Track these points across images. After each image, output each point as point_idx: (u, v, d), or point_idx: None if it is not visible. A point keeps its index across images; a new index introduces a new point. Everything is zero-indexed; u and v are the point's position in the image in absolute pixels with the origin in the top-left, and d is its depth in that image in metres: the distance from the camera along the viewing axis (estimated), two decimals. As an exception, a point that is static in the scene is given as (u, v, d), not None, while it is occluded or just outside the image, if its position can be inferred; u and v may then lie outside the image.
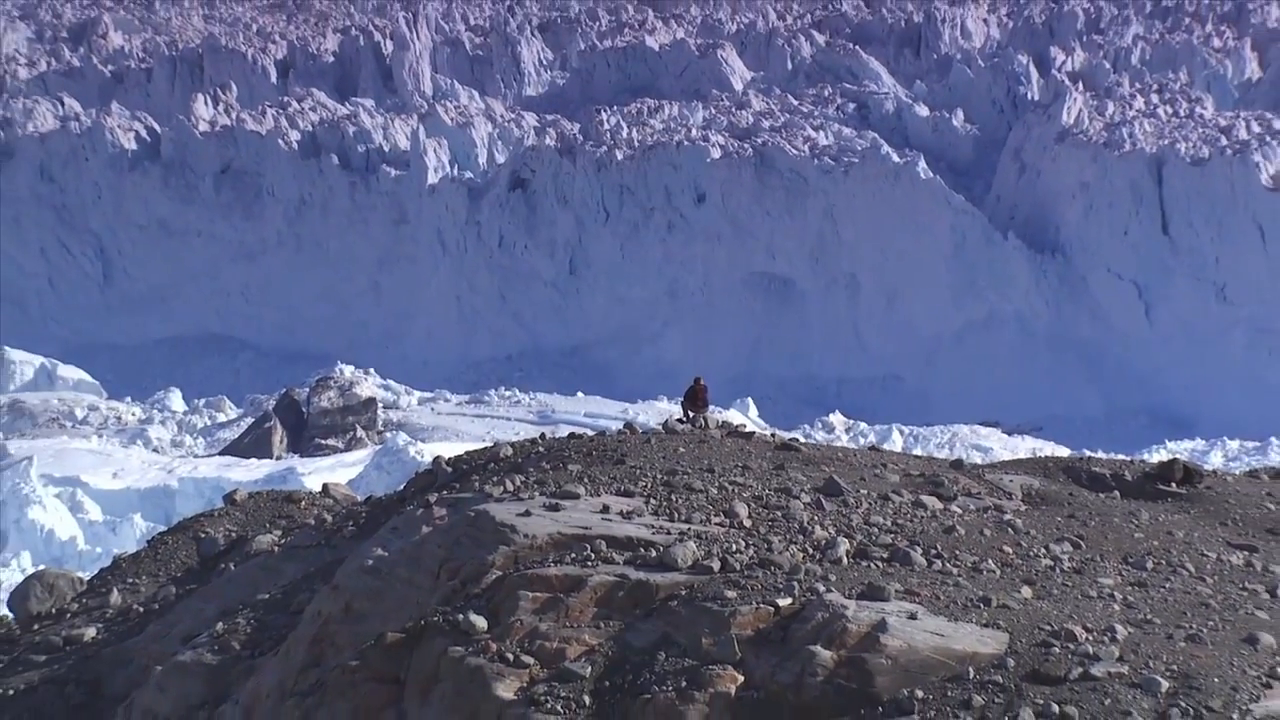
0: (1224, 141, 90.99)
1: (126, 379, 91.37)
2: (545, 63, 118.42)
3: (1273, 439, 75.96)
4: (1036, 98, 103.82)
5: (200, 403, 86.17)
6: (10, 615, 26.08)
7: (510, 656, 16.00)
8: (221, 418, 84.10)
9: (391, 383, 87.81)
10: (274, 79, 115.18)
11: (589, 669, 15.89)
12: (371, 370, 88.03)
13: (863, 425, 78.99)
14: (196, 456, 75.09)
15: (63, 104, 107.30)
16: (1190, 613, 16.07)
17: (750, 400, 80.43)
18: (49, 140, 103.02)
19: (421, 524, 18.53)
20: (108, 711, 19.93)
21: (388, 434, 76.57)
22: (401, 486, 24.95)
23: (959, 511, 18.80)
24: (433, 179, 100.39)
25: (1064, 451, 58.42)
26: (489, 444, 24.49)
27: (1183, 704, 14.30)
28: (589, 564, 16.86)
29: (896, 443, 71.78)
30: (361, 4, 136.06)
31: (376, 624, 17.24)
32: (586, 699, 15.63)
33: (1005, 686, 14.80)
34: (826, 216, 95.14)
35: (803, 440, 23.80)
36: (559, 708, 15.52)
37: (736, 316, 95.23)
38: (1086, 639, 15.32)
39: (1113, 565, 17.36)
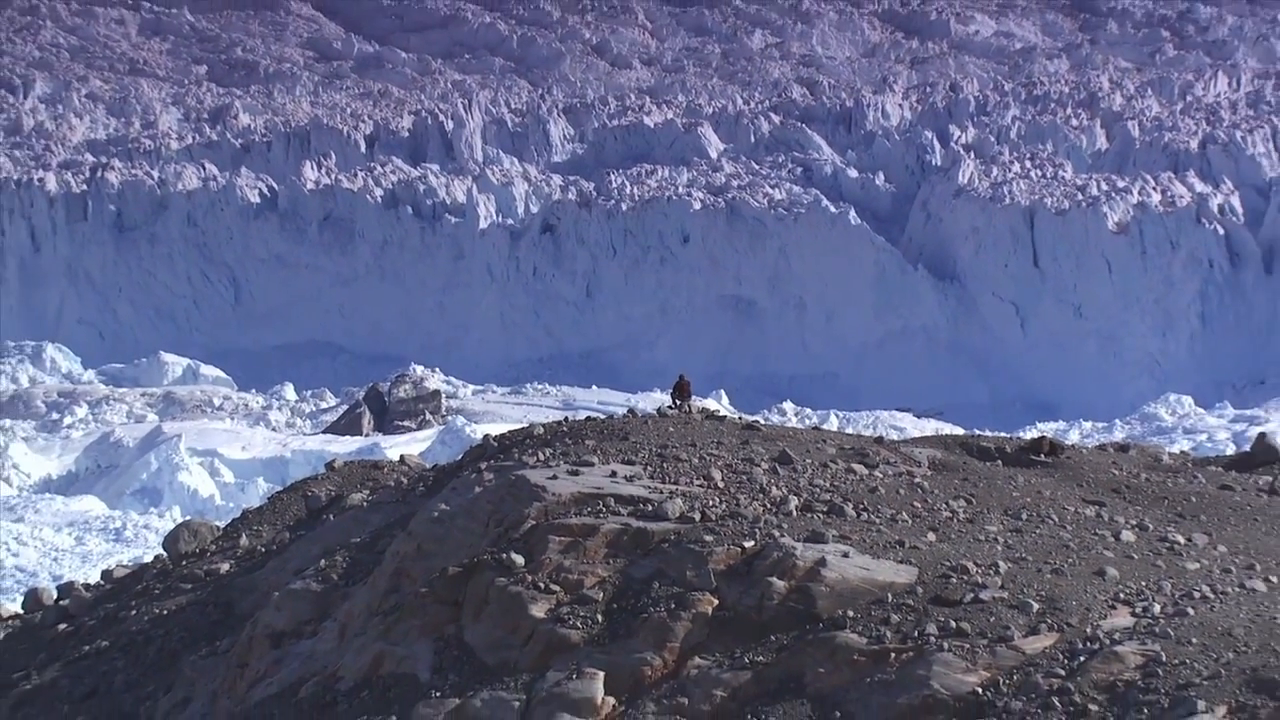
0: (1080, 197, 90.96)
1: (252, 376, 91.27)
2: (568, 137, 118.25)
3: (1116, 421, 75.96)
4: (939, 163, 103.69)
5: (308, 394, 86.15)
6: (165, 554, 26.08)
7: (542, 585, 16.03)
8: (324, 405, 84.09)
9: (452, 378, 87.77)
10: (363, 149, 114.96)
11: (601, 595, 15.93)
12: (437, 369, 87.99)
13: (808, 411, 78.96)
14: (305, 434, 75.10)
15: (204, 168, 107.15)
16: (1055, 552, 16.10)
17: (723, 391, 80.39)
18: (194, 195, 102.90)
19: (475, 485, 18.54)
20: (238, 627, 19.94)
21: (449, 417, 76.54)
22: (459, 457, 24.90)
23: (880, 476, 18.81)
24: (483, 225, 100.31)
25: (959, 430, 58.36)
26: (525, 425, 24.47)
27: (1049, 621, 14.35)
28: (601, 515, 16.89)
29: (833, 424, 71.71)
30: (430, 93, 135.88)
31: (441, 561, 17.26)
32: (599, 617, 15.67)
33: (915, 607, 14.84)
34: (780, 253, 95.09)
35: (762, 422, 23.79)
36: (578, 624, 15.56)
37: (712, 328, 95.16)
38: (976, 572, 15.37)
39: (996, 516, 17.37)
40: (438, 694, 15.58)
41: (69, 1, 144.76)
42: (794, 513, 16.89)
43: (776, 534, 16.06)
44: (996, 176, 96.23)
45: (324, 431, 76.11)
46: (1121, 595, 14.87)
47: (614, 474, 18.16)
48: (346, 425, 77.30)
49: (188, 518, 36.27)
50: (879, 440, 22.19)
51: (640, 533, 16.43)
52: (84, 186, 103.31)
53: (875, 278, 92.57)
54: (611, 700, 14.83)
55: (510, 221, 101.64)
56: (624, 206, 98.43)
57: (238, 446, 67.99)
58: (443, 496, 18.93)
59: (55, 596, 25.68)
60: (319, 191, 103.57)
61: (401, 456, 28.87)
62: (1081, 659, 13.71)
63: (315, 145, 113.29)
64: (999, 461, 20.68)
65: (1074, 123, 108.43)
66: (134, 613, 22.26)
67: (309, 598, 18.89)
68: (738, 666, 14.72)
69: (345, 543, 20.62)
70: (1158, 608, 14.51)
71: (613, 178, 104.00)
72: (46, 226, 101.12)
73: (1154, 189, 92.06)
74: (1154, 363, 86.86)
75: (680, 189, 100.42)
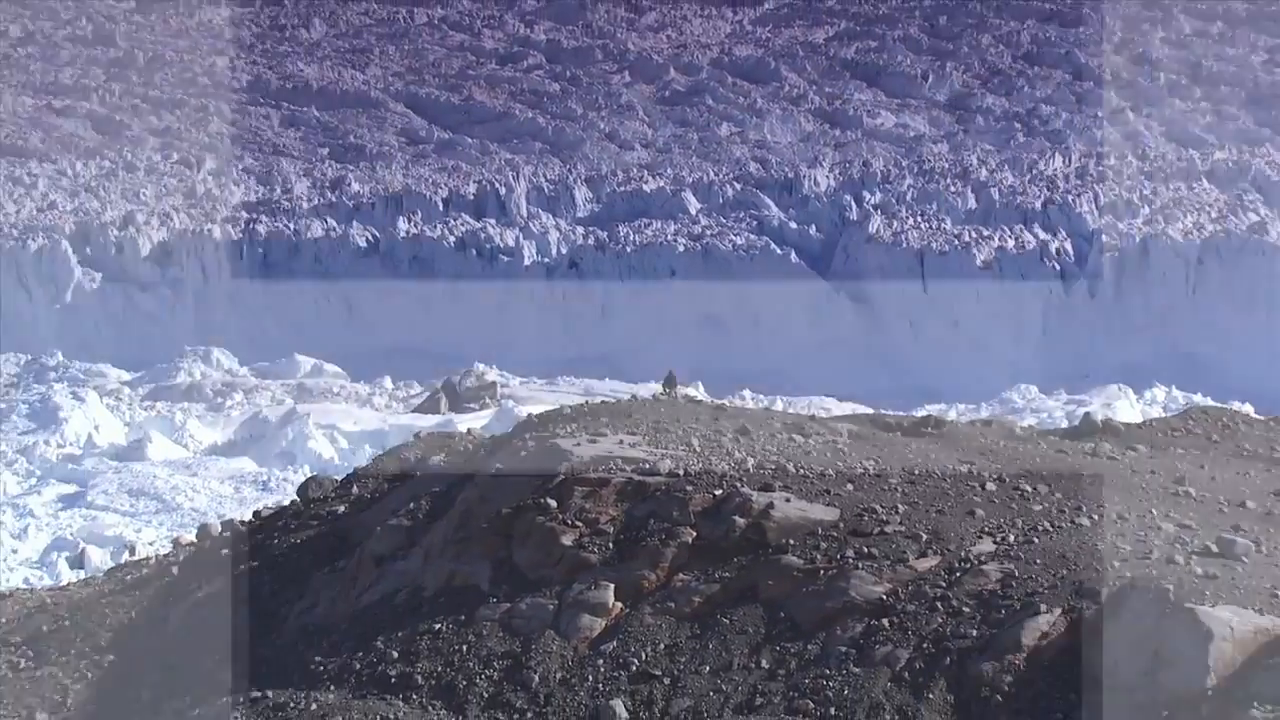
0: (957, 243, 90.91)
1: (360, 371, 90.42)
2: (588, 199, 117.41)
3: (982, 404, 75.78)
4: (855, 219, 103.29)
5: (401, 384, 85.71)
6: (298, 499, 26.05)
7: (569, 522, 16.07)
8: (412, 392, 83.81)
9: (505, 373, 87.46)
10: (441, 208, 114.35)
11: (612, 529, 15.96)
12: (494, 365, 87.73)
13: (761, 396, 78.66)
14: (399, 414, 74.89)
15: (326, 222, 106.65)
16: (938, 498, 16.14)
17: (699, 383, 79.83)
18: (319, 242, 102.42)
19: (521, 450, 18.59)
20: (351, 552, 19.98)
21: (503, 401, 76.36)
22: (511, 429, 24.82)
23: (813, 443, 18.82)
24: (527, 262, 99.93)
25: (870, 410, 58.28)
26: (557, 407, 24.49)
27: (934, 547, 14.37)
28: (612, 472, 16.92)
29: (779, 406, 71.18)
30: (488, 167, 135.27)
31: (497, 504, 17.28)
32: (610, 545, 15.71)
33: (838, 538, 14.86)
34: (742, 284, 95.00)
35: (728, 405, 23.82)
36: (595, 550, 15.59)
37: (692, 337, 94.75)
38: (882, 512, 15.40)
39: (896, 472, 17.38)
40: (495, 600, 15.69)
41: (230, 103, 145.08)
42: (751, 469, 16.93)
43: (738, 485, 16.09)
44: (896, 228, 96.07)
45: (413, 411, 76.00)
46: (986, 528, 14.92)
47: (621, 442, 18.21)
48: (428, 407, 77.14)
49: (315, 473, 36.19)
50: (812, 418, 22.23)
51: (640, 484, 16.48)
52: (240, 235, 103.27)
53: (809, 301, 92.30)
54: (619, 605, 14.93)
55: (546, 260, 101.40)
56: (629, 249, 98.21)
57: (351, 422, 67.91)
58: (498, 458, 18.99)
59: (219, 529, 25.69)
60: (409, 239, 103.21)
61: (469, 429, 28.86)
62: (957, 575, 13.79)
63: (406, 206, 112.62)
64: (898, 433, 20.74)
65: (952, 189, 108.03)
66: (276, 541, 22.31)
67: (402, 531, 18.93)
68: (710, 580, 14.80)
69: (428, 491, 20.65)
70: (1012, 537, 14.57)
71: (620, 229, 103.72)
72: (214, 264, 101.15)
73: (1010, 237, 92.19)
74: (1009, 362, 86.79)
75: (669, 237, 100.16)
